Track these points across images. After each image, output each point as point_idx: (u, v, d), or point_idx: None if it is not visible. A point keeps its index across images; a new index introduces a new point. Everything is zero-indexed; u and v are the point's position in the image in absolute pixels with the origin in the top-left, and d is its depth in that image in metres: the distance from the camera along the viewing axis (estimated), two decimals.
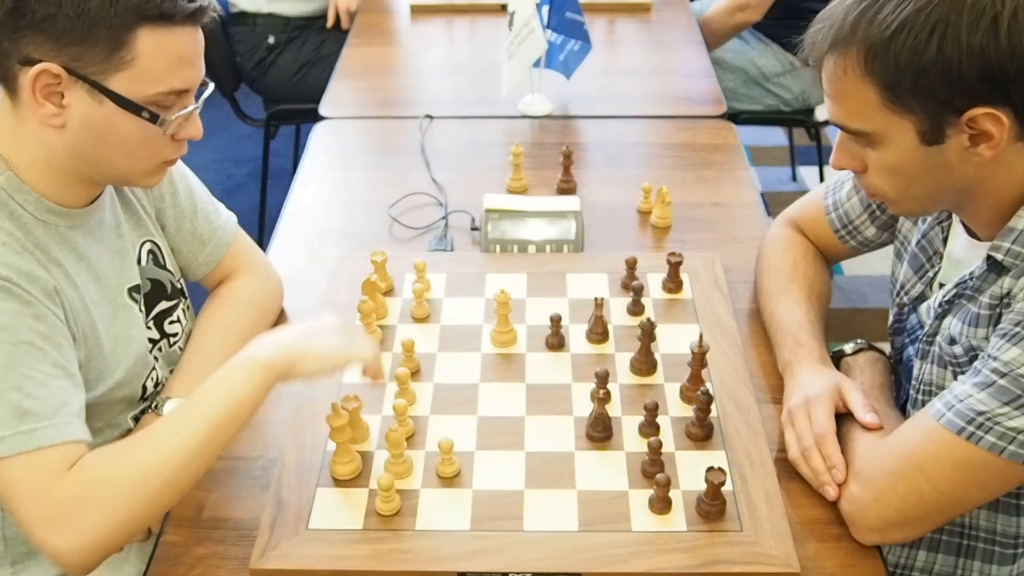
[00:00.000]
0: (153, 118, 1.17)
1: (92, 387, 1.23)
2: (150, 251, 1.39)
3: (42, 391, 1.11)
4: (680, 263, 1.55)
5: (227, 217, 1.53)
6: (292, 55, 2.93)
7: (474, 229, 1.75)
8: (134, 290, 1.34)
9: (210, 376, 1.17)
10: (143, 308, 1.36)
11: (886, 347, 1.45)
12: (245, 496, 1.27)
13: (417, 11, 2.63)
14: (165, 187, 1.43)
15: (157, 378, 1.37)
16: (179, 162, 1.44)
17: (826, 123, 3.05)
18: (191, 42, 1.18)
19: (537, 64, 2.08)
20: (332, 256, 1.68)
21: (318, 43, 2.92)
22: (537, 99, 2.15)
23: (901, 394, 1.41)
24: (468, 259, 1.67)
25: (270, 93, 3.02)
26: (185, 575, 1.18)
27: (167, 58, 1.15)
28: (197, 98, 1.23)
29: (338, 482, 1.26)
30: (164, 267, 1.41)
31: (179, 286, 1.45)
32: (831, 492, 1.21)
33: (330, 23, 2.90)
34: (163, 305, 1.40)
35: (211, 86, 1.26)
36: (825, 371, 1.33)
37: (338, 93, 2.27)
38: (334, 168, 2.00)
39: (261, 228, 3.09)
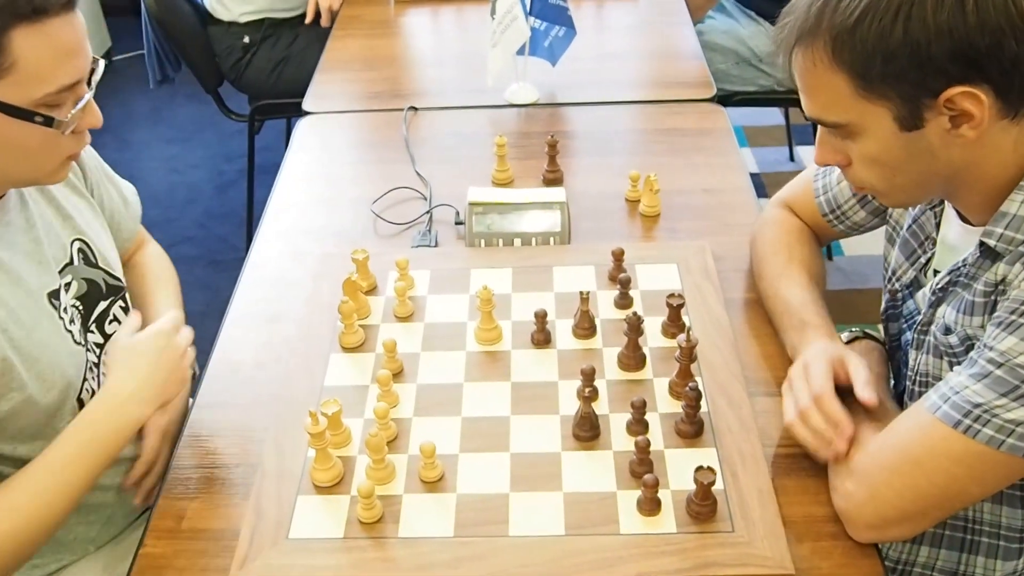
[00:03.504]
0: (48, 121, 1.10)
1: (20, 392, 1.19)
2: (80, 249, 1.33)
3: None
4: (682, 305, 1.42)
5: (131, 186, 1.55)
6: (266, 54, 2.90)
7: (459, 223, 1.71)
8: (53, 295, 1.27)
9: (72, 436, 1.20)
10: (81, 313, 1.32)
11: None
12: (226, 505, 1.24)
13: (401, 1, 2.59)
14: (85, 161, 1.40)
15: (92, 389, 1.32)
16: None
17: None
18: (71, 30, 1.10)
19: (521, 52, 2.04)
20: (317, 255, 1.64)
21: (291, 40, 2.89)
22: (523, 87, 2.11)
23: (902, 381, 1.37)
24: (452, 254, 1.63)
25: (251, 91, 2.99)
26: None
27: (50, 55, 1.08)
28: (89, 83, 1.15)
29: (319, 489, 1.23)
30: (95, 265, 1.36)
31: (113, 283, 1.40)
32: (841, 445, 1.16)
33: (308, 20, 2.83)
34: (100, 307, 1.36)
35: (101, 65, 1.18)
36: (832, 344, 1.29)
37: (322, 87, 2.23)
38: (318, 164, 1.96)
39: (250, 224, 3.06)
